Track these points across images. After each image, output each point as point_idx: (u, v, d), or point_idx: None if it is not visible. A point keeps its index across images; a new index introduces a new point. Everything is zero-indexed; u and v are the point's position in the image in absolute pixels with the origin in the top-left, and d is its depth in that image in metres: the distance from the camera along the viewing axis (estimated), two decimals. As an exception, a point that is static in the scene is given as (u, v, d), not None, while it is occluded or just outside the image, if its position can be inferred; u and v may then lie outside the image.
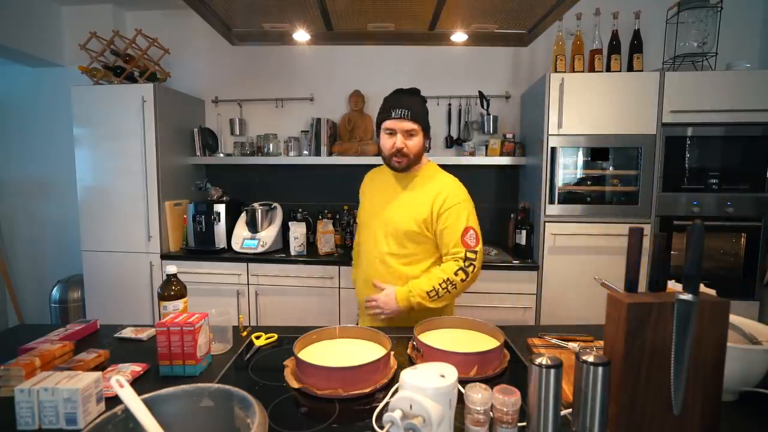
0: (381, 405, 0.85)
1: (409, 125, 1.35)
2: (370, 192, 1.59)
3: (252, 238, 2.55)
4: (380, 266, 1.45)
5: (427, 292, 1.34)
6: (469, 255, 1.39)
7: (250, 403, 0.67)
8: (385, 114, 1.39)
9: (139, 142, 2.49)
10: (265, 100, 2.97)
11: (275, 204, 2.74)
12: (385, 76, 2.86)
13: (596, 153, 2.24)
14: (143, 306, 2.57)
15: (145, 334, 1.25)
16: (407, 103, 1.36)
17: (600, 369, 0.68)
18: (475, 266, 1.39)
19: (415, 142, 1.38)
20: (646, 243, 2.17)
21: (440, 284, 1.35)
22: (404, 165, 1.40)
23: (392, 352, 1.07)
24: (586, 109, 2.21)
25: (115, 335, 1.26)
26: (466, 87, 2.79)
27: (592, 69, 2.32)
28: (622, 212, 2.25)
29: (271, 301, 2.46)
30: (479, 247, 1.42)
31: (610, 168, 2.27)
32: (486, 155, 2.63)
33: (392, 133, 1.38)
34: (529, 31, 1.46)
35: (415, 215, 1.40)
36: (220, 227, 2.59)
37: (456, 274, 1.36)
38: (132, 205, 2.53)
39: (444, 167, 2.80)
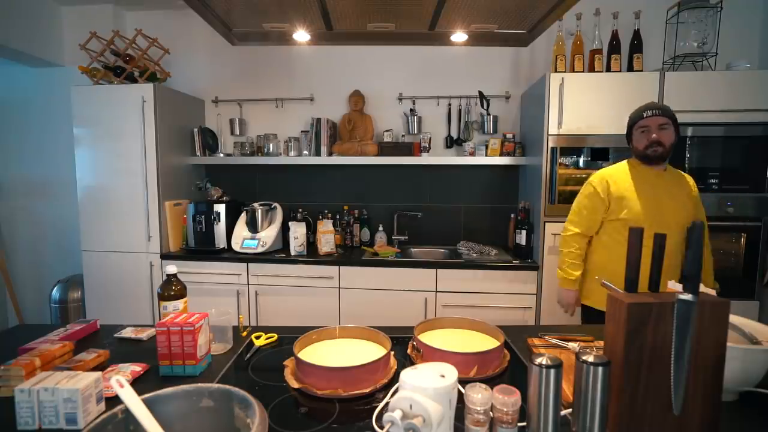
0: (381, 405, 0.85)
1: (662, 120, 1.55)
2: (635, 191, 1.64)
3: (252, 238, 2.55)
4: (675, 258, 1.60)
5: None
6: None
7: (250, 403, 0.67)
8: (637, 116, 1.61)
9: (139, 142, 2.49)
10: (265, 100, 2.97)
11: (275, 204, 2.74)
12: (385, 76, 2.87)
13: (596, 153, 2.24)
14: (143, 306, 2.57)
15: (145, 334, 1.25)
16: (658, 105, 1.58)
17: (600, 369, 0.68)
18: None
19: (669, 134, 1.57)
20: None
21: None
22: (659, 154, 1.57)
23: (392, 352, 1.07)
24: (587, 109, 2.21)
25: (115, 335, 1.26)
26: (466, 87, 2.79)
27: (592, 69, 2.32)
28: (622, 212, 2.25)
29: (271, 301, 2.46)
30: None
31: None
32: (486, 155, 2.63)
33: (646, 130, 1.58)
34: (529, 31, 1.46)
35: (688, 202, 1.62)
36: (220, 227, 2.59)
37: None
38: (132, 205, 2.53)
39: (444, 167, 2.86)
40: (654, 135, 1.55)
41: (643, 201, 1.59)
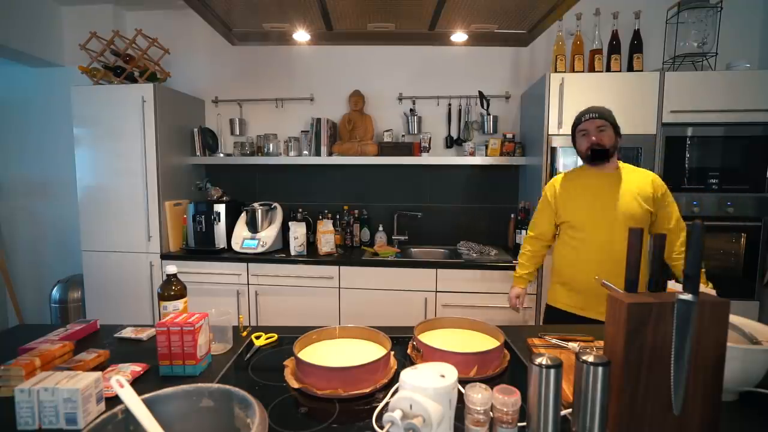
0: (381, 405, 0.85)
1: (599, 122, 1.57)
2: (574, 194, 1.68)
3: (252, 238, 2.55)
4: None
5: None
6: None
7: (250, 403, 0.67)
8: (576, 121, 1.64)
9: (139, 142, 2.49)
10: (265, 100, 2.97)
11: (275, 204, 2.74)
12: (385, 76, 2.87)
13: (596, 153, 2.23)
14: (143, 306, 2.57)
15: (145, 334, 1.25)
16: (595, 108, 1.60)
17: (600, 369, 0.68)
18: None
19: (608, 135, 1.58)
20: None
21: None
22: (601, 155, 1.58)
23: (392, 352, 1.07)
24: (586, 109, 2.20)
25: (115, 335, 1.26)
26: (466, 87, 2.79)
27: (592, 69, 2.32)
28: (622, 212, 2.25)
29: (271, 301, 2.46)
30: None
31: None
32: (486, 155, 2.63)
33: (585, 133, 1.60)
34: (529, 31, 1.46)
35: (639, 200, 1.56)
36: (220, 227, 2.59)
37: None
38: (132, 205, 2.53)
39: (444, 167, 2.86)
40: (593, 138, 1.58)
41: (582, 203, 1.63)
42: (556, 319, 1.72)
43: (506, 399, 0.70)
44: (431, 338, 1.13)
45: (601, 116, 1.57)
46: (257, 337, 1.22)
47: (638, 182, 1.59)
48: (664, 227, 1.59)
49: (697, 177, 2.21)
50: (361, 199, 2.93)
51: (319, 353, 1.07)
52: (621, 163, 1.66)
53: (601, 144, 1.57)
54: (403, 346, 1.18)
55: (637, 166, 2.23)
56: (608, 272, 1.55)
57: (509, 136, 2.66)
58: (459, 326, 1.23)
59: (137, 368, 1.02)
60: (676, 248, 1.61)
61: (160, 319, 1.04)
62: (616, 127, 1.60)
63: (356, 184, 2.94)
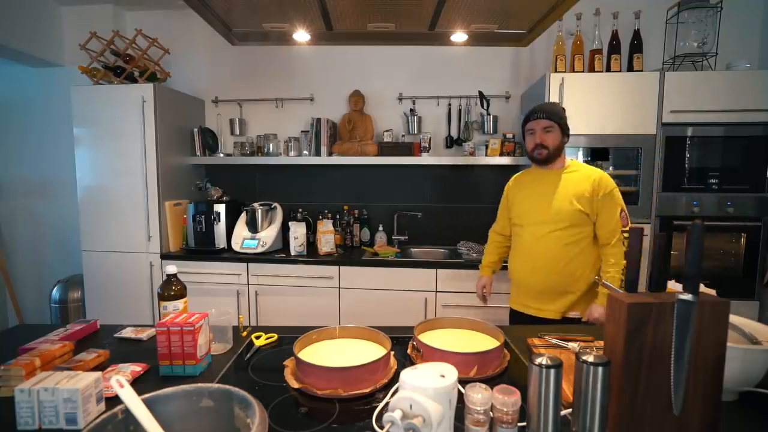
0: (381, 405, 0.85)
1: (546, 123, 1.55)
2: (522, 192, 1.72)
3: (252, 238, 2.55)
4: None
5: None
6: (625, 234, 1.56)
7: (250, 403, 0.67)
8: (525, 119, 1.63)
9: (139, 142, 2.49)
10: (265, 100, 2.97)
11: (275, 204, 2.74)
12: (385, 76, 2.87)
13: (596, 153, 2.24)
14: (143, 306, 2.57)
15: (145, 334, 1.25)
16: (544, 107, 1.58)
17: (600, 369, 0.68)
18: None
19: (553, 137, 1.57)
20: (646, 243, 2.17)
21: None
22: (545, 156, 1.58)
23: (392, 352, 1.07)
24: (586, 109, 2.20)
25: (115, 335, 1.26)
26: (466, 87, 2.79)
27: (592, 69, 2.32)
28: (622, 212, 2.25)
29: (271, 301, 2.46)
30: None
31: (610, 168, 2.27)
32: (486, 155, 2.64)
33: (532, 132, 1.59)
34: (528, 31, 1.46)
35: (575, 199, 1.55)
36: (220, 227, 2.59)
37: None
38: (132, 205, 2.53)
39: (444, 167, 2.85)
40: (538, 138, 1.57)
41: (524, 201, 1.67)
42: (520, 320, 1.72)
43: (506, 399, 0.70)
44: (431, 338, 1.13)
45: (549, 116, 1.55)
46: (257, 337, 1.22)
47: (579, 182, 1.56)
48: (605, 228, 1.55)
49: (697, 177, 2.21)
50: (361, 199, 2.93)
51: (319, 353, 1.07)
52: (573, 162, 1.64)
53: (545, 145, 1.56)
54: (403, 346, 1.18)
55: (637, 167, 2.23)
56: (536, 269, 1.60)
57: (509, 136, 2.66)
58: (459, 326, 1.23)
59: (137, 368, 1.02)
60: (606, 250, 1.56)
61: (160, 319, 1.04)
62: (564, 127, 1.58)
63: (356, 184, 2.94)
